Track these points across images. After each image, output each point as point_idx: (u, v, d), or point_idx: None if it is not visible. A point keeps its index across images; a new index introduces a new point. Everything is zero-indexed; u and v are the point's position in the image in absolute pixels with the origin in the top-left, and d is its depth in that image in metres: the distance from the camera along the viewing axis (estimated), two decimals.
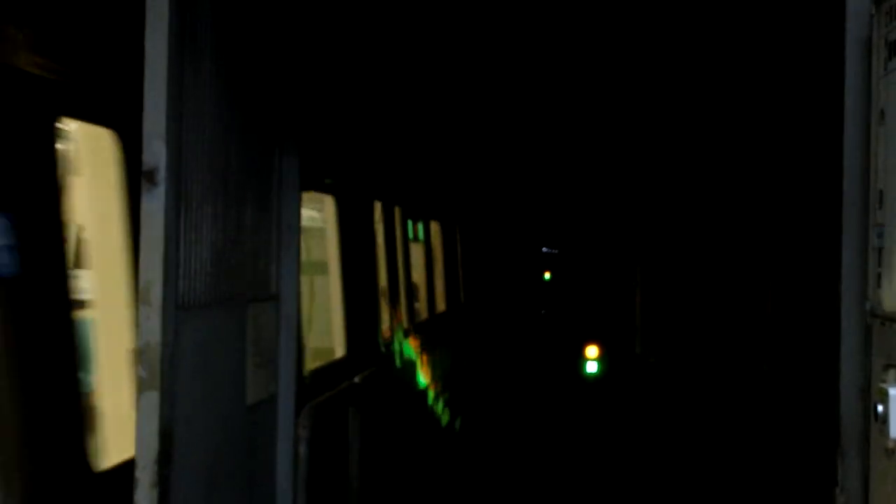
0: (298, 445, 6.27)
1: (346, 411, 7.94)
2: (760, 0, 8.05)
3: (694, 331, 21.30)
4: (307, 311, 8.90)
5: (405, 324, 13.36)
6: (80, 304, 5.61)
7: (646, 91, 11.70)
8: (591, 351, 23.88)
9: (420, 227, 15.81)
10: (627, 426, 17.39)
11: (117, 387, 5.69)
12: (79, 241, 6.03)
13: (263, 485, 5.98)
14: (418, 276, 15.34)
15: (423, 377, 13.92)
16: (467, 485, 13.32)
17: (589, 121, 14.08)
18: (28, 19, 4.89)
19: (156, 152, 4.58)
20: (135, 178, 4.89)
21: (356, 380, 8.40)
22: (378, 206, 12.13)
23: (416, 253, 15.33)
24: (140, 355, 4.56)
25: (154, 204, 4.59)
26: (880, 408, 3.90)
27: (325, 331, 10.13)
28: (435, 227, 17.16)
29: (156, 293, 4.57)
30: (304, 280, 8.60)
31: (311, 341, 8.81)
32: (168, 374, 4.60)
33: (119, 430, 5.44)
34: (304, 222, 9.39)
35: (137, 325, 4.60)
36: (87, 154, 5.67)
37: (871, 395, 4.17)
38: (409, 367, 13.15)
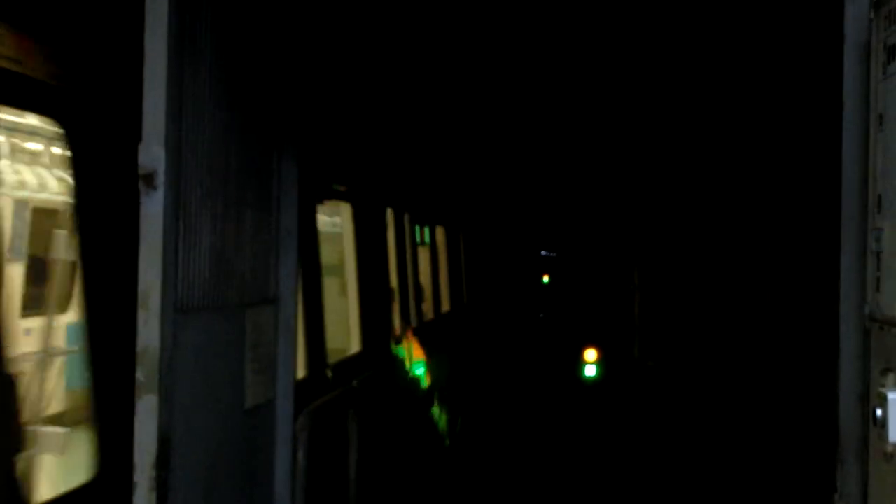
0: (297, 449, 6.26)
1: (346, 414, 7.94)
2: (760, 4, 8.05)
3: (693, 335, 21.26)
4: (330, 310, 9.30)
5: (413, 322, 13.79)
6: None
7: (645, 94, 11.73)
8: (590, 354, 23.84)
9: (426, 231, 16.28)
10: (626, 430, 17.38)
11: None
12: None
13: (262, 489, 5.97)
14: (424, 277, 15.79)
15: (427, 375, 13.97)
16: (467, 487, 13.32)
17: (587, 125, 14.13)
18: None
19: (154, 156, 4.57)
20: None
21: (354, 383, 8.41)
22: (389, 212, 12.60)
23: (423, 256, 15.84)
24: (138, 359, 4.56)
25: (153, 208, 4.58)
26: (879, 412, 3.89)
27: (344, 327, 10.54)
28: (440, 231, 17.57)
29: (154, 297, 4.56)
30: (326, 282, 9.10)
31: (331, 339, 9.08)
32: (166, 378, 4.59)
33: None
34: (325, 228, 9.77)
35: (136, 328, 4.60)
36: None
37: (869, 399, 4.17)
38: (416, 364, 13.29)
